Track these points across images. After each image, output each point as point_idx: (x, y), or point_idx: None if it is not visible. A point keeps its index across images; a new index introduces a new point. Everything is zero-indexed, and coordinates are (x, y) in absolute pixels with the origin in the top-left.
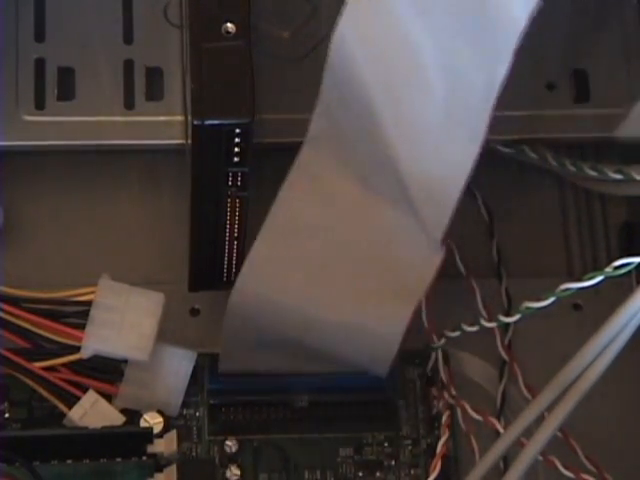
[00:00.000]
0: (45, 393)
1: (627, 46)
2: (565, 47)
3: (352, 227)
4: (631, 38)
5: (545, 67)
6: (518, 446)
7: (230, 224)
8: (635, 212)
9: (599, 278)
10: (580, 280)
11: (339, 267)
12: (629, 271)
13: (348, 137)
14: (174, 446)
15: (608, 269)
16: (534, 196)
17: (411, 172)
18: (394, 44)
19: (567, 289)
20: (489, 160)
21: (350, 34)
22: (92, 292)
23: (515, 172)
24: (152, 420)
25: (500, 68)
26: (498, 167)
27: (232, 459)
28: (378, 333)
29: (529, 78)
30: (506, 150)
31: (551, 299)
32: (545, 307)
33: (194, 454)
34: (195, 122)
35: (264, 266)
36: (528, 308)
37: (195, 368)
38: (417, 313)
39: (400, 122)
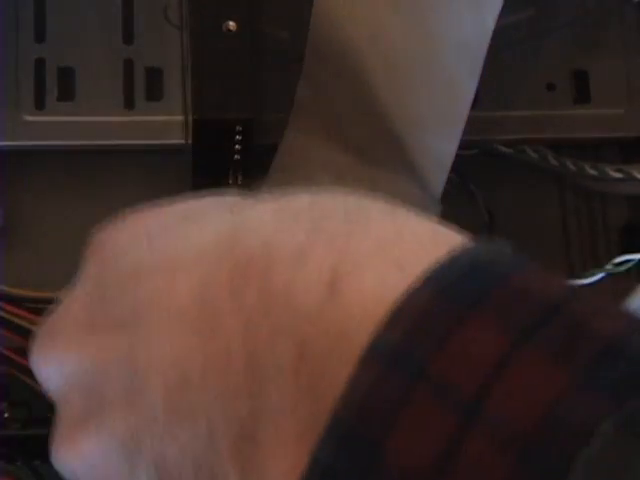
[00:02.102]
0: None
1: (627, 46)
2: (565, 48)
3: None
4: (631, 38)
5: (545, 68)
6: None
7: None
8: (635, 212)
9: (599, 275)
10: (581, 277)
11: None
12: (629, 269)
13: (336, 104)
14: None
15: (609, 266)
16: (535, 196)
17: (405, 124)
18: None
19: None
20: (489, 160)
21: None
22: None
23: (515, 172)
24: None
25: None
26: (498, 167)
27: None
28: None
29: (529, 79)
30: (506, 150)
31: None
32: None
33: None
34: (196, 118)
35: None
36: None
37: None
38: None
39: (390, 70)
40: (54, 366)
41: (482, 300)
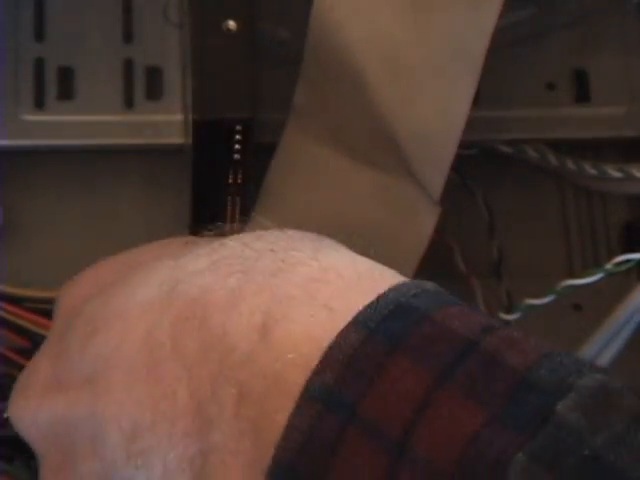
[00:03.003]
0: None
1: (627, 46)
2: (565, 47)
3: (344, 199)
4: (631, 38)
5: (545, 67)
6: None
7: (231, 221)
8: (636, 212)
9: (600, 275)
10: (581, 277)
11: (333, 237)
12: (629, 268)
13: (334, 107)
14: None
15: (609, 266)
16: (534, 196)
17: (406, 131)
18: None
19: (568, 286)
20: (489, 160)
21: None
22: None
23: (515, 172)
24: None
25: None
26: (499, 166)
27: None
28: None
29: (530, 78)
30: (507, 150)
31: (551, 296)
32: (545, 304)
33: None
34: (196, 118)
35: None
36: (529, 306)
37: None
38: None
39: (390, 72)
40: (29, 421)
41: (405, 340)
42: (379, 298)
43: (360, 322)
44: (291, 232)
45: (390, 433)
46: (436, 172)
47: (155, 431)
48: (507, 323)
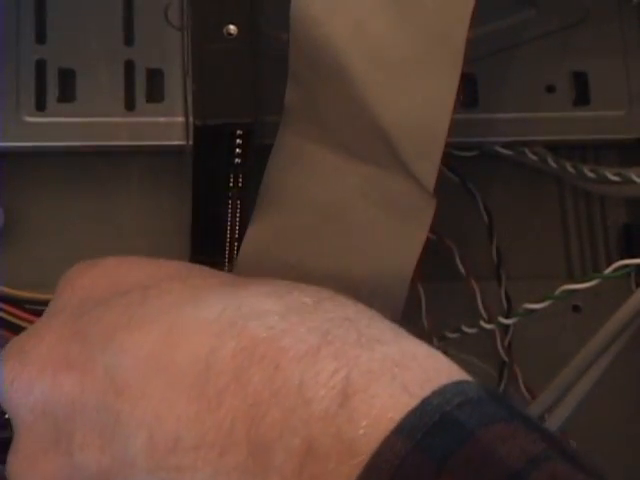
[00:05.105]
0: None
1: (627, 48)
2: (565, 49)
3: (339, 195)
4: (631, 40)
5: (545, 70)
6: None
7: (231, 225)
8: (634, 214)
9: (598, 280)
10: (579, 282)
11: (333, 237)
12: (628, 273)
13: (323, 103)
14: None
15: (607, 271)
16: (534, 198)
17: (394, 122)
18: None
19: (566, 290)
20: (489, 161)
21: None
22: None
23: (515, 174)
24: None
25: None
26: (498, 169)
27: None
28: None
29: (529, 81)
30: (506, 152)
31: (550, 301)
32: (544, 309)
33: None
34: (197, 122)
35: (260, 244)
36: (527, 310)
37: None
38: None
39: (372, 63)
40: (22, 390)
41: (451, 462)
42: (424, 404)
43: (405, 431)
44: (353, 302)
45: None
46: (428, 162)
47: (198, 454)
48: (506, 327)
